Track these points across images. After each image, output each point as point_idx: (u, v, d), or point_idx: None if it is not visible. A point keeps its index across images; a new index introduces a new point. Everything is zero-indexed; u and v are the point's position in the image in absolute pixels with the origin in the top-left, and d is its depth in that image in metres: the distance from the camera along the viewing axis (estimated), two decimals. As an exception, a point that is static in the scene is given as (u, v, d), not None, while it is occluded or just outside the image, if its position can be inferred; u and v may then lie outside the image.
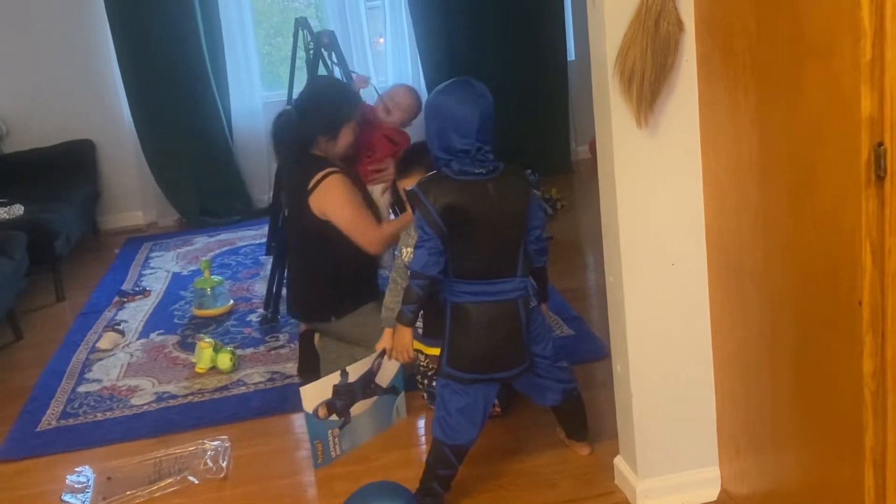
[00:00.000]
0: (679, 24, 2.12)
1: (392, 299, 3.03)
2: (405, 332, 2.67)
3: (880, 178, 1.62)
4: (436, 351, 3.01)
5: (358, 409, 2.95)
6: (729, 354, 2.30)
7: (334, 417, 2.87)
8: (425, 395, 3.17)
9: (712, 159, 2.20)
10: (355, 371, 2.91)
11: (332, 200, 3.29)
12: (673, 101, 2.19)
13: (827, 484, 1.94)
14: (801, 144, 1.82)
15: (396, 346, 2.73)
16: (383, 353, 2.96)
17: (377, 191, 3.65)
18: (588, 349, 3.49)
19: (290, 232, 3.61)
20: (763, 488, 2.27)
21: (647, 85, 2.11)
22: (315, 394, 2.82)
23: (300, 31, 4.57)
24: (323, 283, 3.41)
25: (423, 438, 3.07)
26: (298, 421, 3.25)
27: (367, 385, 2.96)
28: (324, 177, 3.28)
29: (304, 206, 3.31)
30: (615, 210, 2.28)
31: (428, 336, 2.96)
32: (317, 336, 3.52)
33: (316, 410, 2.81)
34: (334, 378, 2.87)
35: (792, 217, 1.89)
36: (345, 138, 3.42)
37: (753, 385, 2.20)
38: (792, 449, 2.06)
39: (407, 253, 3.00)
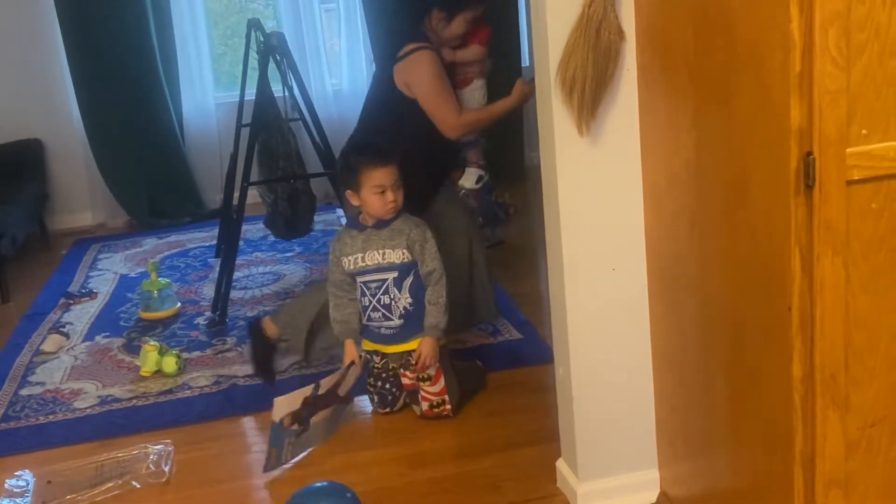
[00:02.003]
0: (620, 34, 2.15)
1: (339, 313, 3.08)
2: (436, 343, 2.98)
3: (809, 187, 1.65)
4: (395, 348, 3.03)
5: (316, 417, 2.95)
6: (667, 359, 2.34)
7: (296, 427, 2.87)
8: (375, 398, 3.17)
9: (651, 167, 2.24)
10: (325, 384, 2.93)
11: (418, 72, 3.25)
12: (614, 109, 2.22)
13: (759, 486, 1.98)
14: (734, 154, 1.86)
15: (432, 355, 2.97)
16: (350, 364, 3.02)
17: (475, 88, 3.62)
18: (535, 353, 3.52)
19: (366, 103, 3.55)
20: (699, 490, 2.31)
21: (588, 93, 2.14)
22: (286, 405, 2.83)
23: (253, 33, 4.56)
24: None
25: (368, 441, 3.07)
26: (248, 424, 3.26)
27: (331, 396, 2.97)
28: (415, 49, 3.25)
29: (388, 75, 3.30)
30: (557, 216, 2.30)
31: None
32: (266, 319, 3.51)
33: (282, 420, 2.81)
34: (306, 391, 2.88)
35: (726, 225, 1.93)
36: (458, 25, 3.37)
37: (690, 389, 2.23)
38: (726, 452, 2.10)
39: (350, 261, 3.02)
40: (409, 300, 3.03)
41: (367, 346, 3.13)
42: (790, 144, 1.66)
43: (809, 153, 1.64)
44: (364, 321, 3.10)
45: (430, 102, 3.28)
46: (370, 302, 3.04)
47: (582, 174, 2.27)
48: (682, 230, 2.11)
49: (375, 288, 3.03)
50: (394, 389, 3.13)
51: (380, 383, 3.14)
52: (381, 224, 3.02)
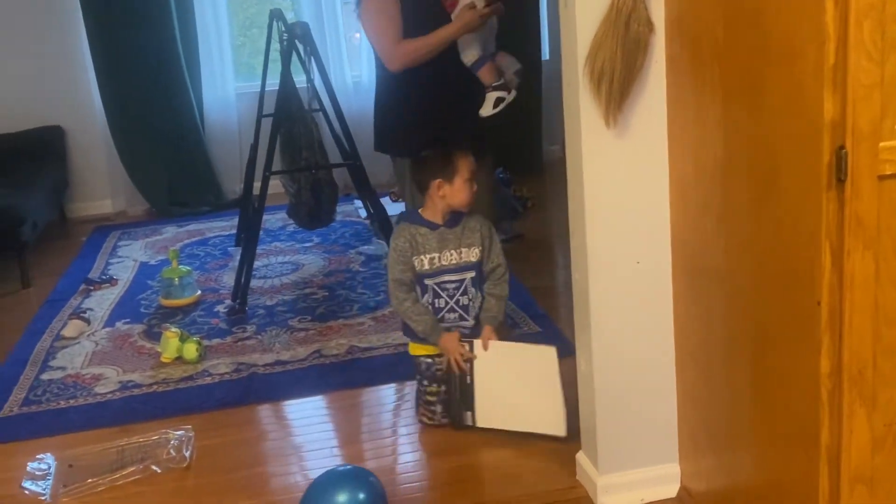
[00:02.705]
0: (649, 26, 2.14)
1: (419, 311, 2.93)
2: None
3: (841, 181, 1.65)
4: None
5: None
6: (691, 353, 2.33)
7: None
8: (439, 407, 2.99)
9: (678, 160, 2.23)
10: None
11: (363, 14, 3.20)
12: (642, 101, 2.22)
13: (782, 481, 1.97)
14: (764, 147, 1.85)
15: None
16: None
17: (463, 7, 3.19)
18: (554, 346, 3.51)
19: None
20: (721, 485, 2.30)
21: (617, 85, 2.14)
22: None
23: (274, 23, 4.57)
24: (385, 114, 3.34)
25: (389, 429, 3.08)
26: (267, 412, 3.27)
27: None
28: None
29: None
30: (582, 208, 2.30)
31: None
32: None
33: None
34: None
35: (754, 218, 1.92)
36: None
37: (713, 383, 2.23)
38: (749, 447, 2.10)
39: (426, 261, 2.92)
40: (480, 299, 3.00)
41: (431, 350, 2.99)
42: (823, 138, 1.65)
43: (842, 147, 1.64)
44: None
45: (370, 38, 3.21)
46: (446, 303, 2.94)
47: (608, 166, 2.26)
48: (709, 223, 2.11)
49: (454, 289, 2.93)
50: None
51: (444, 388, 2.98)
52: (452, 221, 2.92)
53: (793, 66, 1.71)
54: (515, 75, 3.25)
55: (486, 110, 3.19)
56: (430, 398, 2.98)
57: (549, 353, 2.85)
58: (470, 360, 2.88)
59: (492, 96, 3.19)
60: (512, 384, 2.90)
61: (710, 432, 2.30)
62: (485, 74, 3.19)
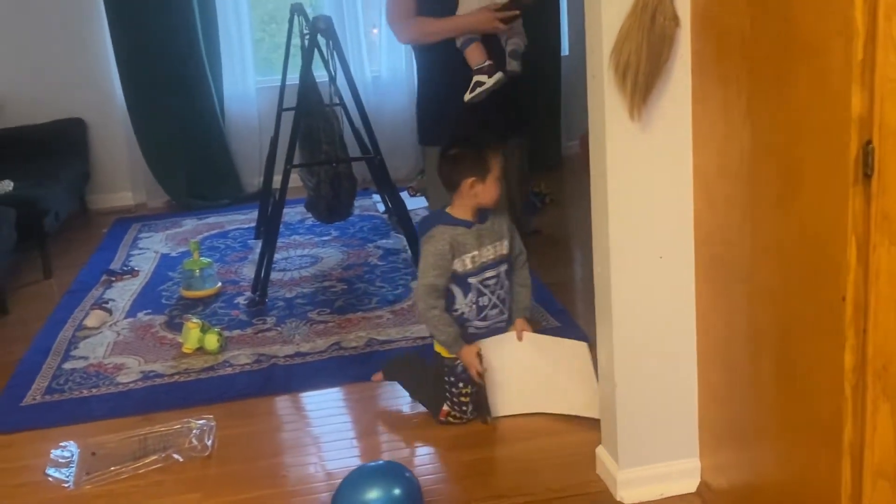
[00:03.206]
0: (675, 20, 2.14)
1: (447, 322, 2.90)
2: None
3: (867, 177, 1.65)
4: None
5: None
6: (713, 348, 2.33)
7: None
8: (470, 406, 2.97)
9: (703, 154, 2.23)
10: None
11: None
12: (666, 95, 2.22)
13: (805, 478, 1.97)
14: (790, 142, 1.85)
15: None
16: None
17: None
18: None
19: None
20: (742, 481, 2.30)
21: (642, 78, 2.14)
22: None
23: (295, 17, 4.59)
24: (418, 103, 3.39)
25: (408, 422, 3.09)
26: (287, 403, 3.29)
27: None
28: None
29: None
30: (605, 201, 2.30)
31: None
32: None
33: None
34: None
35: (779, 213, 1.92)
36: None
37: (735, 378, 2.23)
38: (771, 442, 2.10)
39: (469, 260, 2.90)
40: (509, 290, 3.02)
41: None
42: (850, 133, 1.65)
43: (869, 142, 1.63)
44: (478, 322, 2.96)
45: (387, 8, 3.28)
46: (489, 300, 2.93)
47: (631, 160, 2.27)
48: (734, 218, 2.11)
49: (494, 284, 2.93)
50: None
51: (474, 388, 2.95)
52: (482, 217, 2.91)
53: (820, 60, 1.71)
54: (511, 56, 3.18)
55: (468, 95, 3.15)
56: (463, 399, 2.94)
57: (581, 348, 2.89)
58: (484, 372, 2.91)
59: (474, 80, 3.14)
60: (547, 372, 2.93)
61: (731, 427, 2.30)
62: (470, 55, 3.16)
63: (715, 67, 2.12)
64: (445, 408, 2.97)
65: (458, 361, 2.91)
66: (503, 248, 2.95)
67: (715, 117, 2.14)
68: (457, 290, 2.91)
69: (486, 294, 2.93)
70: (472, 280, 2.90)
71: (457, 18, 3.15)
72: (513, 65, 3.18)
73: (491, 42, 3.18)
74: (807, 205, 1.82)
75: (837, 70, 1.66)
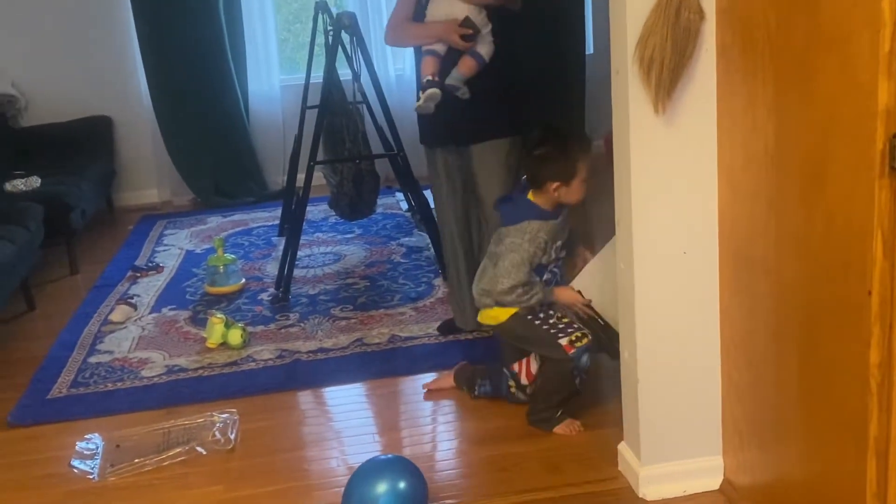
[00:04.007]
0: (700, 13, 2.13)
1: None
2: None
3: (894, 170, 1.63)
4: None
5: None
6: (736, 344, 2.32)
7: None
8: None
9: (728, 149, 2.22)
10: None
11: None
12: (691, 89, 2.21)
13: (829, 475, 1.95)
14: (815, 135, 1.84)
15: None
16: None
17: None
18: (596, 339, 3.50)
19: None
20: (765, 478, 2.28)
21: (666, 73, 2.13)
22: None
23: (320, 15, 4.61)
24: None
25: (431, 418, 3.09)
26: (309, 397, 3.31)
27: None
28: None
29: None
30: (629, 196, 2.29)
31: None
32: None
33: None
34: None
35: (804, 207, 1.91)
36: None
37: (759, 375, 2.21)
38: (795, 439, 2.08)
39: (556, 249, 2.87)
40: None
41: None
42: (876, 126, 1.63)
43: (896, 135, 1.62)
44: None
45: None
46: (553, 278, 2.93)
47: (656, 154, 2.26)
48: (759, 212, 2.09)
49: (558, 263, 2.94)
50: None
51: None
52: (560, 207, 2.89)
53: (846, 52, 1.70)
54: (451, 79, 3.25)
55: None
56: (566, 320, 2.87)
57: None
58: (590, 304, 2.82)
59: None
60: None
61: (755, 424, 2.28)
62: (422, 67, 3.31)
63: (740, 61, 2.10)
64: (563, 342, 2.82)
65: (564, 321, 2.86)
66: (567, 231, 2.95)
67: (740, 111, 2.13)
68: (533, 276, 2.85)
69: (554, 273, 2.93)
70: (550, 266, 2.89)
71: (425, 26, 3.30)
72: (454, 80, 3.25)
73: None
74: (832, 198, 1.80)
75: (864, 62, 1.65)
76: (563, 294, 2.86)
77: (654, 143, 2.24)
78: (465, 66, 3.24)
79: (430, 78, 3.25)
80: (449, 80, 3.24)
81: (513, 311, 2.86)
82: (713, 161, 2.26)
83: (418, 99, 3.28)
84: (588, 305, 2.83)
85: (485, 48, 3.26)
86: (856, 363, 1.77)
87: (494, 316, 2.91)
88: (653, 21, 2.11)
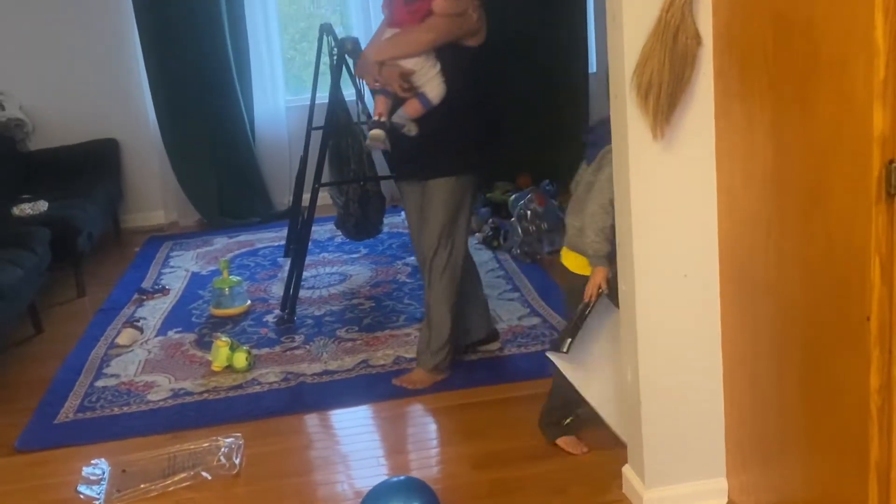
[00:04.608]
0: (697, 39, 2.15)
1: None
2: None
3: (891, 195, 1.64)
4: None
5: None
6: (738, 366, 2.32)
7: None
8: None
9: (727, 172, 2.23)
10: None
11: None
12: (689, 113, 2.22)
13: (831, 497, 1.96)
14: (813, 160, 1.85)
15: None
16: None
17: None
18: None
19: None
20: (769, 500, 2.28)
21: (664, 97, 2.14)
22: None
23: (324, 37, 4.64)
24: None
25: (436, 440, 3.10)
26: (315, 420, 3.32)
27: None
28: None
29: None
30: (629, 220, 2.31)
31: None
32: None
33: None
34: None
35: (803, 231, 1.92)
36: None
37: (761, 397, 2.21)
38: (798, 462, 2.08)
39: None
40: None
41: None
42: (872, 151, 1.65)
43: (892, 161, 1.63)
44: None
45: None
46: None
47: (655, 178, 2.27)
48: (758, 236, 2.10)
49: None
50: None
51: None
52: None
53: (842, 78, 1.71)
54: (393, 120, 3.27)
55: None
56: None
57: None
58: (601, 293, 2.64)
59: None
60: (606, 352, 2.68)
61: (758, 446, 2.29)
62: (374, 105, 3.36)
63: (738, 85, 2.12)
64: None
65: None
66: None
67: (739, 135, 2.14)
68: None
69: None
70: None
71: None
72: (399, 118, 3.25)
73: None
74: (831, 222, 1.81)
75: (859, 88, 1.66)
76: (603, 272, 2.61)
77: (653, 166, 2.25)
78: (411, 107, 3.23)
79: (376, 118, 3.29)
80: (394, 118, 3.25)
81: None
82: (712, 184, 2.27)
83: (366, 138, 3.31)
84: (598, 292, 2.63)
85: (432, 90, 3.21)
86: (856, 386, 1.78)
87: (582, 266, 2.69)
88: (650, 46, 2.13)
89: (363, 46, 4.38)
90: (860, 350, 1.74)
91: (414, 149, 3.29)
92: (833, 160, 1.78)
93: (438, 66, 3.21)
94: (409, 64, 3.20)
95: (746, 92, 2.08)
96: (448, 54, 3.21)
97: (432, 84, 3.22)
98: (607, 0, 2.26)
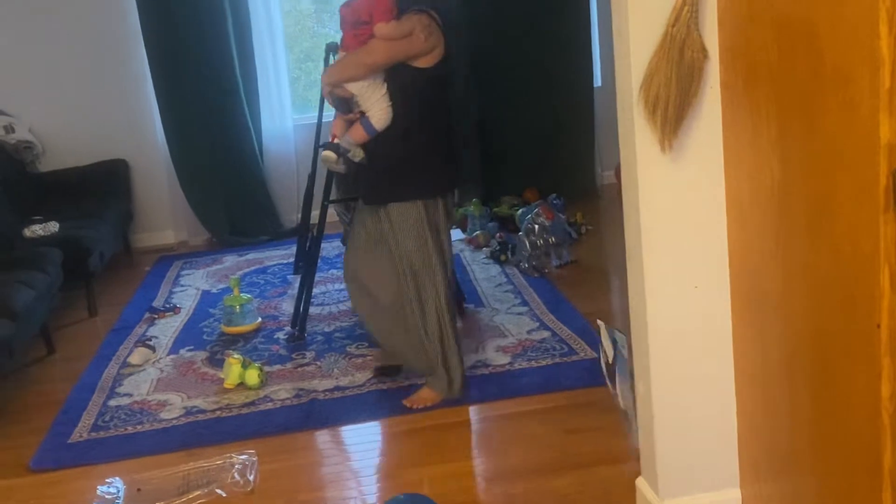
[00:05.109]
0: (703, 52, 2.16)
1: None
2: None
3: (898, 204, 1.65)
4: None
5: None
6: (750, 377, 2.33)
7: None
8: None
9: (735, 184, 2.24)
10: None
11: None
12: (697, 126, 2.23)
13: (846, 506, 1.96)
14: (820, 170, 1.86)
15: None
16: None
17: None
18: (611, 372, 3.51)
19: None
20: (783, 511, 2.28)
21: (672, 111, 2.16)
22: None
23: (330, 56, 4.67)
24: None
25: (447, 454, 3.11)
26: (328, 437, 3.32)
27: None
28: None
29: None
30: (639, 233, 2.32)
31: None
32: None
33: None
34: None
35: (811, 241, 1.93)
36: None
37: (773, 408, 2.22)
38: (811, 472, 2.08)
39: None
40: None
41: None
42: (879, 161, 1.65)
43: (899, 170, 1.64)
44: None
45: None
46: None
47: (664, 191, 2.28)
48: (767, 247, 2.11)
49: None
50: None
51: None
52: None
53: (848, 89, 1.72)
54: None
55: None
56: None
57: None
58: None
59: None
60: None
61: (770, 457, 2.29)
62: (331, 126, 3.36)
63: (744, 98, 2.13)
64: None
65: None
66: None
67: (746, 147, 2.16)
68: None
69: None
70: None
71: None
72: (345, 142, 3.27)
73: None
74: (839, 232, 1.82)
75: (865, 98, 1.67)
76: None
77: (661, 179, 2.27)
78: (355, 133, 3.22)
79: (328, 140, 3.30)
80: (340, 143, 3.25)
81: None
82: (721, 196, 2.28)
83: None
84: None
85: (376, 114, 3.18)
86: (867, 396, 1.78)
87: None
88: (657, 61, 2.15)
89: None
90: (871, 359, 1.75)
91: (371, 172, 3.28)
92: (839, 171, 1.79)
93: (385, 89, 3.17)
94: (351, 88, 3.19)
95: (752, 104, 2.09)
96: (397, 76, 3.17)
97: (376, 108, 3.18)
98: (613, 15, 2.29)
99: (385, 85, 3.17)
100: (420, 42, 3.11)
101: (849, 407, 1.87)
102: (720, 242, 2.31)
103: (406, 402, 3.42)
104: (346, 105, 3.25)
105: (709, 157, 2.26)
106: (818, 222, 1.89)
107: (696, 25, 2.13)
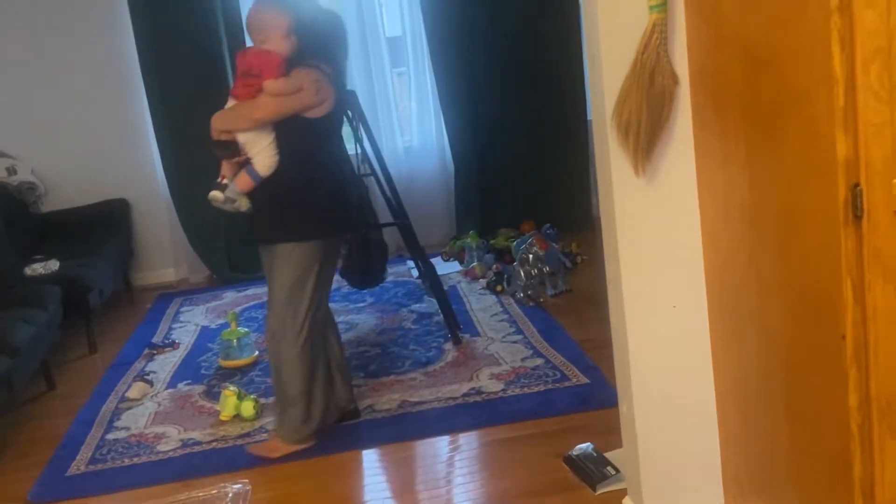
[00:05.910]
0: (673, 78, 2.23)
1: None
2: None
3: (857, 217, 1.70)
4: None
5: None
6: (730, 393, 2.37)
7: None
8: None
9: (708, 205, 2.30)
10: None
11: None
12: (670, 150, 2.30)
13: (823, 518, 1.99)
14: (786, 188, 1.92)
15: None
16: None
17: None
18: (603, 397, 3.54)
19: None
20: (766, 526, 2.31)
21: (644, 135, 2.22)
22: None
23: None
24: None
25: (438, 480, 3.13)
26: (321, 466, 3.34)
27: None
28: None
29: None
30: (616, 255, 2.37)
31: None
32: None
33: None
34: None
35: (781, 257, 1.98)
36: None
37: (753, 423, 2.26)
38: (790, 485, 2.12)
39: None
40: None
41: None
42: (838, 176, 1.71)
43: (857, 184, 1.70)
44: None
45: None
46: None
47: (640, 214, 2.34)
48: (741, 264, 2.16)
49: None
50: None
51: None
52: None
53: (808, 108, 1.79)
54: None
55: None
56: None
57: None
58: None
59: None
60: None
61: (752, 472, 2.32)
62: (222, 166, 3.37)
63: (714, 121, 2.20)
64: None
65: None
66: None
67: (717, 168, 2.22)
68: None
69: None
70: None
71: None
72: (231, 192, 3.33)
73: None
74: (805, 247, 1.87)
75: (824, 117, 1.74)
76: None
77: (637, 203, 2.33)
78: (242, 182, 3.27)
79: (218, 180, 3.34)
80: (226, 192, 3.29)
81: None
82: (696, 217, 2.34)
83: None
84: None
85: (261, 163, 3.22)
86: (837, 406, 1.82)
87: None
88: (628, 86, 2.21)
89: (359, 99, 4.51)
90: (838, 369, 1.79)
91: (257, 213, 3.34)
92: (803, 188, 1.85)
93: (272, 137, 3.22)
94: (239, 137, 3.25)
95: (721, 127, 2.15)
96: (286, 125, 3.21)
97: (262, 156, 3.22)
98: (587, 42, 2.36)
99: (273, 133, 3.22)
100: (309, 97, 3.17)
101: (821, 418, 1.91)
102: (696, 262, 2.37)
103: (250, 450, 3.43)
104: (232, 148, 3.28)
105: (682, 179, 2.32)
106: (787, 238, 1.95)
107: (666, 52, 2.20)
